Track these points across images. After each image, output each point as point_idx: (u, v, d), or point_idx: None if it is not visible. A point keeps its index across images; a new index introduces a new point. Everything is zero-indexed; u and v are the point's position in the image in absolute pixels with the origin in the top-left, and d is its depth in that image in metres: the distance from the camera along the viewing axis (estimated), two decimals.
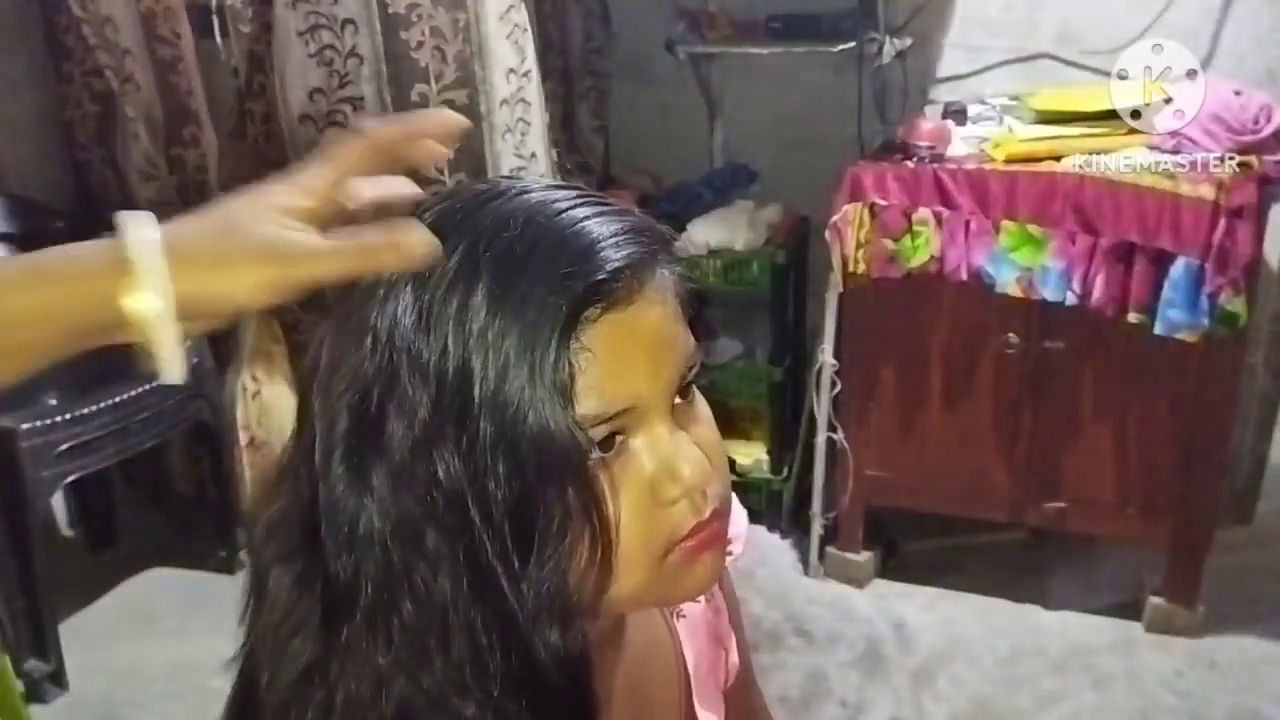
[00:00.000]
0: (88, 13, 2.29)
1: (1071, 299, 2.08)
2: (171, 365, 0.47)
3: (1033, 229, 2.08)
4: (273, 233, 0.46)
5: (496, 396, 0.48)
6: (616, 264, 0.50)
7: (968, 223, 2.12)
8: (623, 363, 0.51)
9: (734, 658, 0.76)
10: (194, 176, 2.40)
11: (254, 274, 0.46)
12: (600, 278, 0.49)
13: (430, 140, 0.51)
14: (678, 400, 0.55)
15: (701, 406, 0.57)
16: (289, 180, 0.48)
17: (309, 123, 2.20)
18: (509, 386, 0.48)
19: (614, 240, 0.51)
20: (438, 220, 0.51)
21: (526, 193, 0.53)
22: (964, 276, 2.14)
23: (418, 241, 0.47)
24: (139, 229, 0.45)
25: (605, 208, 0.53)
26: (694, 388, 0.56)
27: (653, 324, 0.52)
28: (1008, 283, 2.11)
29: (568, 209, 0.52)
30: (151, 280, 0.45)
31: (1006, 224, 2.10)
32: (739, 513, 0.69)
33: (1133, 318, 2.04)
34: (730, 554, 0.67)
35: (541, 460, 0.48)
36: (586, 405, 0.49)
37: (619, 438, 0.52)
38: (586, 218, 0.51)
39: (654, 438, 0.53)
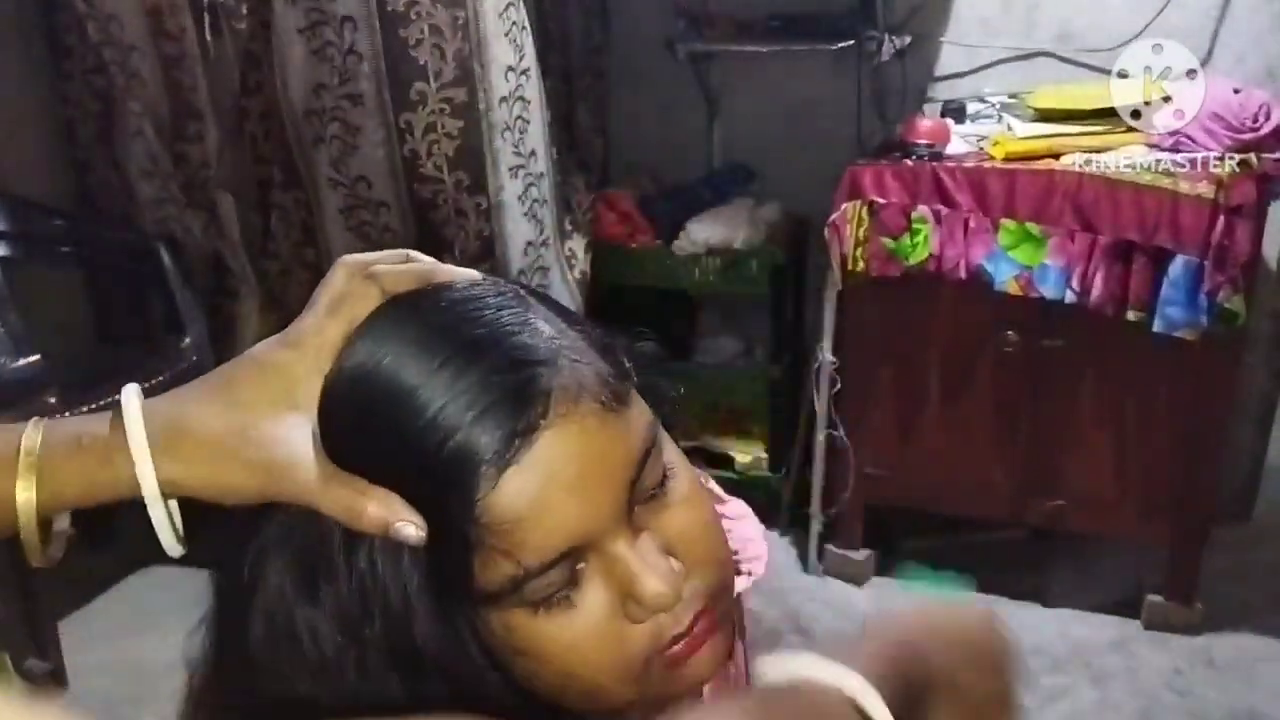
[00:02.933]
0: (92, 9, 2.28)
1: (1070, 297, 2.08)
2: (164, 538, 0.49)
3: (1031, 227, 2.08)
4: (280, 454, 0.47)
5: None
6: (492, 439, 0.45)
7: (966, 220, 2.12)
8: (544, 511, 0.45)
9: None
10: (198, 173, 2.40)
11: (245, 483, 0.47)
12: (483, 460, 0.45)
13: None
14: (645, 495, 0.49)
15: (677, 486, 0.51)
16: (302, 342, 0.49)
17: (313, 118, 2.21)
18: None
19: (483, 402, 0.45)
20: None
21: (374, 375, 0.47)
22: (963, 274, 2.14)
23: (403, 527, 0.46)
24: (131, 405, 0.48)
25: (465, 352, 0.46)
26: (664, 466, 0.50)
27: (566, 454, 0.46)
28: (1006, 281, 2.11)
29: (422, 390, 0.46)
30: (142, 465, 0.47)
31: (1005, 222, 2.10)
32: (755, 533, 0.68)
33: (1131, 315, 2.04)
34: (750, 574, 0.66)
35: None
36: (523, 562, 0.46)
37: (578, 566, 0.48)
38: (442, 398, 0.45)
39: (609, 562, 0.47)
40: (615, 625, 0.48)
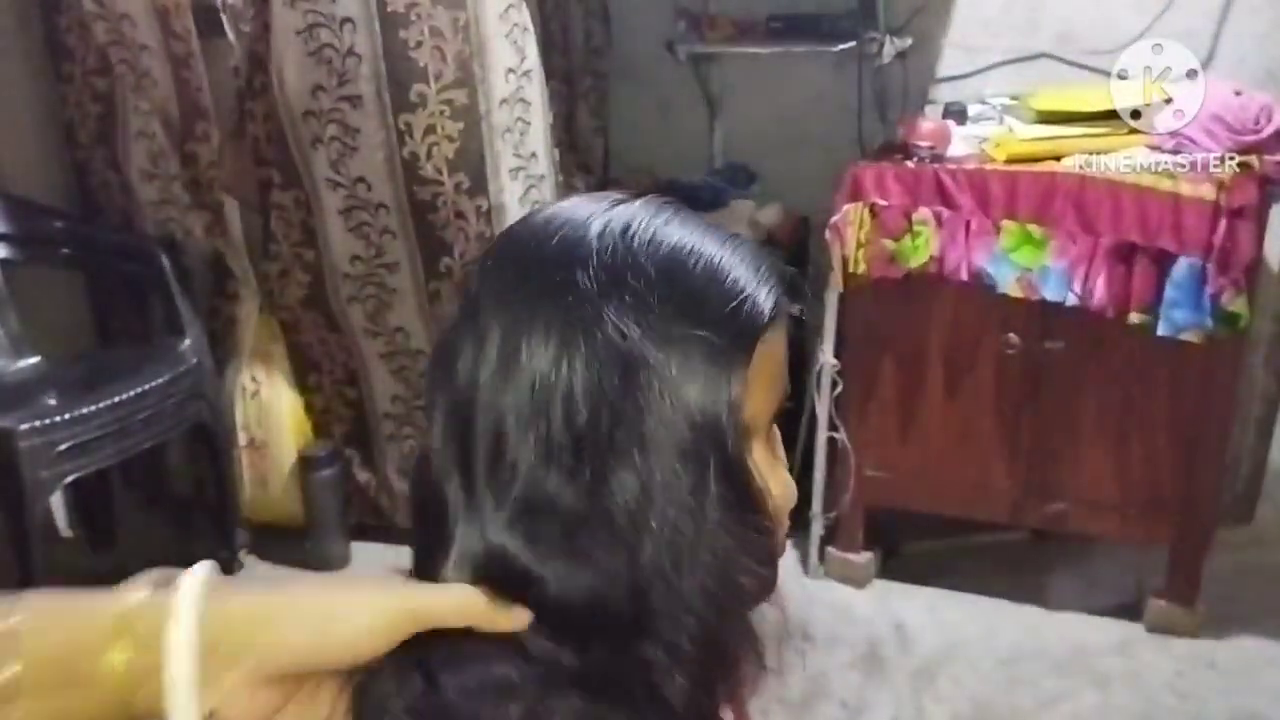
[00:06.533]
0: (104, 9, 2.28)
1: (1072, 299, 2.07)
2: None
3: (1033, 229, 2.08)
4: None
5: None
6: (778, 296, 0.53)
7: (968, 223, 2.12)
8: (755, 386, 0.52)
9: None
10: (205, 172, 2.40)
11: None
12: (772, 307, 0.52)
13: None
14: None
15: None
16: None
17: (311, 119, 2.20)
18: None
19: (769, 269, 0.53)
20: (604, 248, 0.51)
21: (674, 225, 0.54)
22: (964, 277, 2.14)
23: None
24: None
25: (742, 239, 0.56)
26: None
27: (778, 350, 0.54)
28: (1008, 282, 2.11)
29: (722, 240, 0.54)
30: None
31: (1007, 224, 2.09)
32: None
33: (1134, 318, 2.03)
34: None
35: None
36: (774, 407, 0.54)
37: None
38: (741, 249, 0.54)
39: (755, 459, 0.54)
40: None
